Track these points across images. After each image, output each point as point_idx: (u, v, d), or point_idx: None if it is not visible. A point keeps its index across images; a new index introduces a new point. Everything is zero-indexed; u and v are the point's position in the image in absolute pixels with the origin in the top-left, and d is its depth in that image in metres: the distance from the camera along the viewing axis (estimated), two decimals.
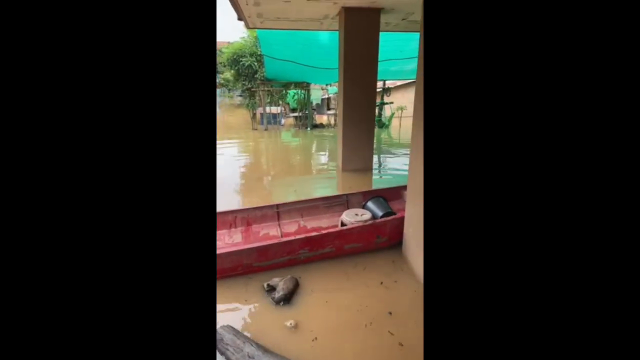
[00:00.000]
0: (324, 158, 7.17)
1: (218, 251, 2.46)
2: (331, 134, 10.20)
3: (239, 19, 6.08)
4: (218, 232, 3.20)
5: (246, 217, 3.29)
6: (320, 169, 6.30)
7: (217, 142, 9.78)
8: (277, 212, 3.39)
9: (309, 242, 2.65)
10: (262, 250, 2.54)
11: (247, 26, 6.34)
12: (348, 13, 4.91)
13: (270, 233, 3.25)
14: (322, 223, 3.44)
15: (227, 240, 3.14)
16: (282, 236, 3.21)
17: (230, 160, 6.76)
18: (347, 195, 3.64)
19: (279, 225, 3.35)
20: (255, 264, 2.58)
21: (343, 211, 3.30)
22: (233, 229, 3.24)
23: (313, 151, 7.97)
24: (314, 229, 3.30)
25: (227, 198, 4.42)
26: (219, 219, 3.21)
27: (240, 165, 6.50)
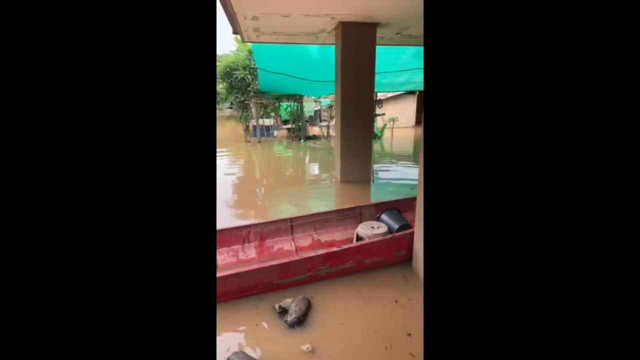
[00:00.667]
0: (319, 169, 7.13)
1: (239, 269, 2.39)
2: (324, 146, 10.21)
3: (235, 32, 6.07)
4: (232, 248, 3.12)
5: (259, 231, 3.22)
6: (316, 181, 6.25)
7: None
8: (291, 225, 3.33)
9: (330, 257, 2.58)
10: (284, 268, 2.47)
11: (243, 40, 6.34)
12: (345, 28, 4.96)
13: (284, 248, 3.19)
14: (336, 236, 3.39)
15: (242, 256, 3.06)
16: (297, 250, 3.16)
17: (226, 171, 6.66)
18: (360, 207, 3.60)
19: (293, 239, 3.29)
20: (276, 281, 2.50)
21: (356, 224, 3.25)
22: (247, 244, 3.16)
23: (311, 162, 7.93)
24: (328, 243, 3.25)
25: (227, 211, 4.31)
26: (232, 234, 3.13)
27: (237, 176, 6.39)
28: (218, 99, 13.28)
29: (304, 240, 3.33)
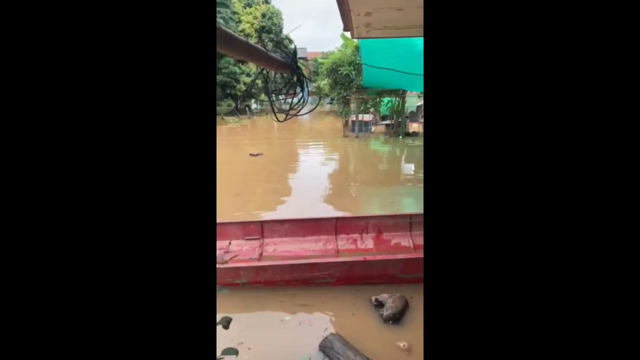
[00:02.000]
0: (416, 168, 6.83)
1: (365, 257, 2.59)
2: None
3: (345, 29, 6.25)
4: (351, 236, 3.34)
5: (378, 224, 3.36)
6: (413, 179, 6.01)
7: (312, 145, 10.23)
8: (410, 222, 3.36)
9: None
10: (407, 263, 2.57)
11: (352, 36, 6.47)
12: None
13: (401, 243, 3.28)
14: None
15: (360, 245, 3.27)
16: (414, 248, 3.20)
17: (323, 163, 6.97)
18: None
19: (411, 235, 3.32)
20: (400, 275, 2.60)
21: None
22: (364, 234, 3.34)
23: (408, 160, 7.68)
24: None
25: (321, 201, 4.54)
26: (352, 224, 3.35)
27: (333, 169, 6.64)
28: (319, 94, 13.90)
29: (421, 238, 3.31)
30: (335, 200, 4.91)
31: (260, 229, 3.39)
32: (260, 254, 3.27)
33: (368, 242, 3.28)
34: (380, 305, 2.33)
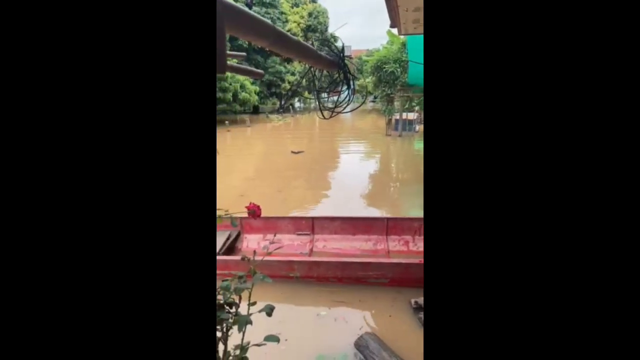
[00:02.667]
0: None
1: (420, 260, 2.54)
2: None
3: (392, 26, 6.12)
4: (403, 237, 3.32)
5: None
6: None
7: (353, 143, 10.19)
8: None
9: None
10: None
11: (399, 33, 6.33)
12: None
13: None
14: None
15: (412, 247, 3.24)
16: None
17: (362, 163, 6.91)
18: None
19: None
20: None
21: None
22: (417, 237, 3.31)
23: None
24: None
25: (361, 202, 4.50)
26: (404, 225, 3.32)
27: (373, 169, 6.55)
28: (362, 93, 13.78)
29: None
30: (376, 200, 4.85)
31: (311, 225, 3.45)
32: (311, 250, 3.33)
33: (420, 244, 3.19)
34: (420, 308, 2.27)
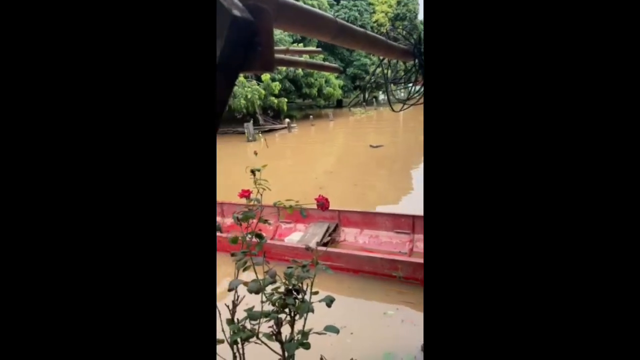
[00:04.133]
0: None
1: None
2: None
3: None
4: None
5: None
6: None
7: None
8: None
9: None
10: None
11: None
12: None
13: None
14: None
15: None
16: None
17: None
18: None
19: None
20: None
21: None
22: None
23: None
24: None
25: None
26: None
27: None
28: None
29: None
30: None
31: (412, 224, 3.30)
32: (411, 250, 3.19)
33: None
34: None
